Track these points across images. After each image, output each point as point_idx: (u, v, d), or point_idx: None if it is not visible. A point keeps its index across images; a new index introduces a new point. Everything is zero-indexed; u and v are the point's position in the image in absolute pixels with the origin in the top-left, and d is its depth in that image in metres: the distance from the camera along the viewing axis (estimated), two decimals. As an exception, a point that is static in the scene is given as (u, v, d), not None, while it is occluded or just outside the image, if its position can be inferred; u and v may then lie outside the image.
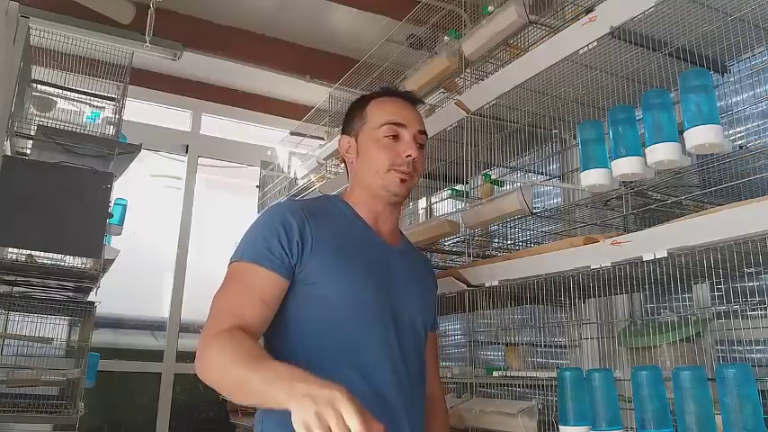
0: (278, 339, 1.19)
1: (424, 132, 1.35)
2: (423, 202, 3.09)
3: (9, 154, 2.61)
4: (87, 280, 2.71)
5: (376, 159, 1.29)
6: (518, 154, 2.06)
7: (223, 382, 1.02)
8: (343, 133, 1.40)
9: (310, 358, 1.15)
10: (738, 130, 1.78)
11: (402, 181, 1.28)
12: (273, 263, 1.14)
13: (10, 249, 2.57)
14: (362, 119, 1.35)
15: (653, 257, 1.30)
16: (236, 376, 0.97)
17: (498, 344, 2.10)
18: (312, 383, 0.87)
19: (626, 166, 1.36)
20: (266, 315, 1.14)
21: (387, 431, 1.13)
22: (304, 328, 1.17)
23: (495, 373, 1.85)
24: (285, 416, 1.08)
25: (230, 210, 4.57)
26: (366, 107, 1.35)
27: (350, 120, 1.39)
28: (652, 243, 1.31)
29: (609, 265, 1.41)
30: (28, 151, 2.78)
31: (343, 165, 1.49)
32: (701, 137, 1.23)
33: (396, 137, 1.30)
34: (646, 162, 1.34)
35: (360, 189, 1.33)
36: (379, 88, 1.44)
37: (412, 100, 1.40)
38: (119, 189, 2.85)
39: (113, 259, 2.64)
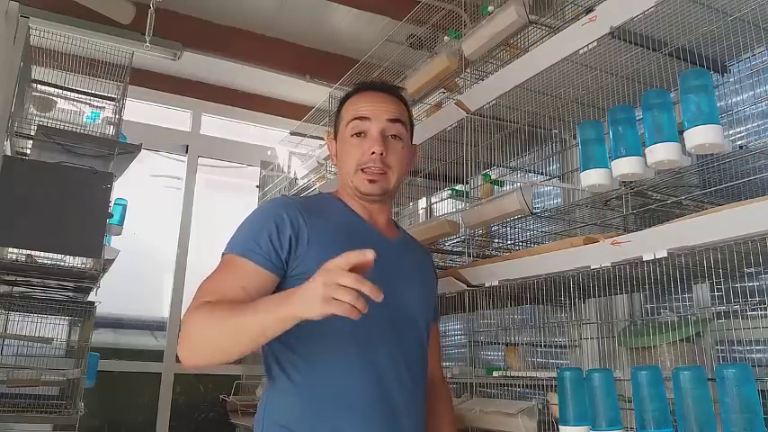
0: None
1: (397, 120, 1.28)
2: (423, 202, 3.09)
3: (9, 154, 2.62)
4: (87, 280, 2.71)
5: (345, 160, 1.28)
6: (518, 154, 2.06)
7: (218, 341, 1.02)
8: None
9: (308, 353, 1.15)
10: (738, 130, 1.78)
11: (371, 182, 1.25)
12: (260, 256, 1.14)
13: (10, 249, 2.57)
14: (340, 119, 1.34)
15: (653, 257, 1.30)
16: (235, 326, 0.99)
17: (498, 344, 2.10)
18: (309, 287, 0.90)
19: (626, 166, 1.36)
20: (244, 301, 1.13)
21: (386, 426, 1.14)
22: (301, 323, 1.17)
23: (495, 373, 1.85)
24: (286, 418, 1.09)
25: (230, 210, 4.57)
26: (342, 107, 1.34)
27: (334, 122, 1.39)
28: (652, 243, 1.31)
29: (609, 265, 1.41)
30: (28, 151, 2.79)
31: None
32: (701, 137, 1.23)
33: (362, 134, 1.26)
34: (646, 162, 1.33)
35: (345, 188, 1.33)
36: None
37: (383, 89, 1.33)
38: (119, 189, 2.85)
39: (113, 259, 2.65)
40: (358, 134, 1.27)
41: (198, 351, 1.05)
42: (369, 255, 0.89)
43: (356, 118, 1.27)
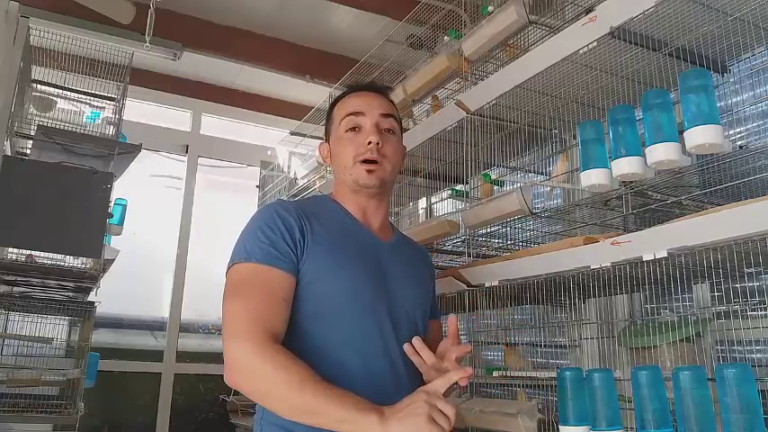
0: None
1: (390, 116, 1.31)
2: (423, 202, 3.09)
3: (9, 154, 2.61)
4: (87, 280, 2.71)
5: (341, 155, 1.30)
6: (518, 154, 2.06)
7: (281, 398, 1.03)
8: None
9: (305, 353, 1.15)
10: (738, 130, 1.78)
11: (369, 172, 1.26)
12: (284, 263, 1.14)
13: (10, 249, 2.57)
14: (331, 122, 1.36)
15: (653, 257, 1.30)
16: (309, 400, 1.00)
17: (498, 344, 2.10)
18: (413, 406, 0.98)
19: (626, 166, 1.36)
20: (288, 316, 1.14)
21: None
22: (300, 325, 1.17)
23: (495, 373, 1.85)
24: (284, 418, 1.09)
25: (230, 210, 4.57)
26: (333, 110, 1.37)
27: (326, 126, 1.41)
28: (652, 243, 1.31)
29: (609, 265, 1.41)
30: (28, 151, 2.78)
31: None
32: (701, 137, 1.23)
33: (356, 128, 1.29)
34: (646, 162, 1.34)
35: (341, 187, 1.34)
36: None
37: (373, 89, 1.37)
38: (119, 189, 2.85)
39: (113, 259, 2.64)
40: (353, 129, 1.29)
41: (259, 393, 1.08)
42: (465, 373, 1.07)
43: (350, 114, 1.30)
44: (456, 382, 1.10)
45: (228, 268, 1.18)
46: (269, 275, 1.13)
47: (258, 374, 1.04)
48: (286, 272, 1.14)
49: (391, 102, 1.38)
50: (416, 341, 1.21)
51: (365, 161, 1.26)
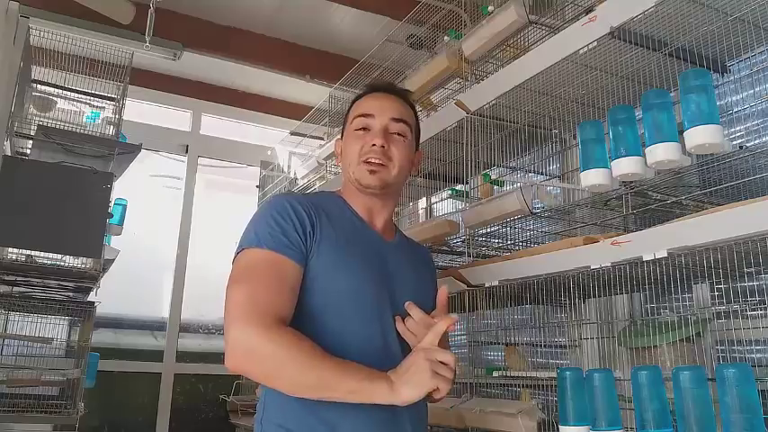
0: None
1: (400, 120, 1.30)
2: (423, 202, 3.09)
3: (9, 154, 2.61)
4: (87, 280, 2.71)
5: (348, 153, 1.31)
6: (518, 154, 2.06)
7: (290, 376, 1.05)
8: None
9: None
10: (738, 129, 1.78)
11: (371, 172, 1.26)
12: (294, 252, 1.14)
13: (10, 249, 2.57)
14: (346, 120, 1.37)
15: (653, 257, 1.30)
16: (320, 375, 1.04)
17: (498, 344, 2.11)
18: (414, 365, 1.06)
19: (626, 166, 1.36)
20: (294, 305, 1.14)
21: (386, 425, 1.15)
22: (301, 321, 1.17)
23: (495, 373, 1.85)
24: (285, 418, 1.09)
25: (230, 210, 4.57)
26: (350, 109, 1.37)
27: (343, 124, 1.42)
28: (652, 243, 1.31)
29: (609, 265, 1.41)
30: (28, 151, 2.78)
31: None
32: (701, 137, 1.23)
33: (366, 129, 1.30)
34: (646, 162, 1.34)
35: (348, 185, 1.34)
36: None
37: (389, 90, 1.37)
38: (119, 189, 2.85)
39: (113, 259, 2.65)
40: (362, 129, 1.30)
41: (266, 374, 1.08)
42: (450, 321, 1.12)
43: (361, 115, 1.31)
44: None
45: (236, 254, 1.17)
46: (278, 263, 1.12)
47: (266, 355, 1.04)
48: (295, 262, 1.14)
49: (409, 105, 1.37)
50: (408, 304, 1.22)
51: (367, 162, 1.26)
